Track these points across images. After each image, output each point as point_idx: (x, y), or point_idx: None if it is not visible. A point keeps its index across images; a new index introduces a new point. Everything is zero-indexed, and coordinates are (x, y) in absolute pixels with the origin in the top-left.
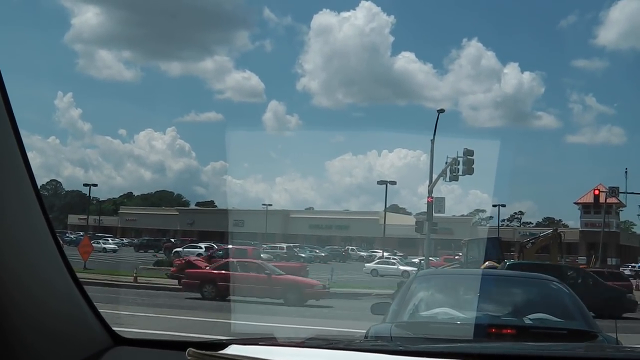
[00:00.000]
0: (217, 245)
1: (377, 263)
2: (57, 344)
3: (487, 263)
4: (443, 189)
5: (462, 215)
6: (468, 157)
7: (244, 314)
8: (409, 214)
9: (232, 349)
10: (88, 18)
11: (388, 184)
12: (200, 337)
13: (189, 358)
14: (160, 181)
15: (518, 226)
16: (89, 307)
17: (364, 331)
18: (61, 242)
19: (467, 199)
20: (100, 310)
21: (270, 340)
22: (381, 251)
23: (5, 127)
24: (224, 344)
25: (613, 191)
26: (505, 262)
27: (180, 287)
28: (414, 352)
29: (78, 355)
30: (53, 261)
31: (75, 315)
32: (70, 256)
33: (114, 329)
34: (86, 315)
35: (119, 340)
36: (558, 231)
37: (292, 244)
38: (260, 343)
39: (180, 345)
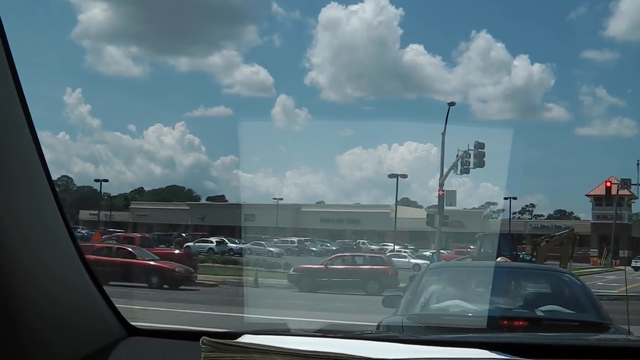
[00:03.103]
0: (227, 240)
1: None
2: (71, 335)
3: (499, 259)
4: (454, 182)
5: (474, 208)
6: (479, 149)
7: (257, 307)
8: (420, 207)
9: (246, 338)
10: (95, 14)
11: (399, 178)
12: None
13: (203, 347)
14: (171, 176)
15: (529, 219)
16: (104, 300)
17: (376, 323)
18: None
19: (478, 191)
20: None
21: (283, 330)
22: (392, 244)
23: (21, 123)
24: (237, 334)
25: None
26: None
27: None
28: (426, 341)
29: (92, 346)
30: (69, 255)
31: (91, 308)
32: None
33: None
34: (101, 308)
35: (132, 331)
36: (574, 232)
37: (303, 238)
38: (273, 333)
39: (193, 336)
